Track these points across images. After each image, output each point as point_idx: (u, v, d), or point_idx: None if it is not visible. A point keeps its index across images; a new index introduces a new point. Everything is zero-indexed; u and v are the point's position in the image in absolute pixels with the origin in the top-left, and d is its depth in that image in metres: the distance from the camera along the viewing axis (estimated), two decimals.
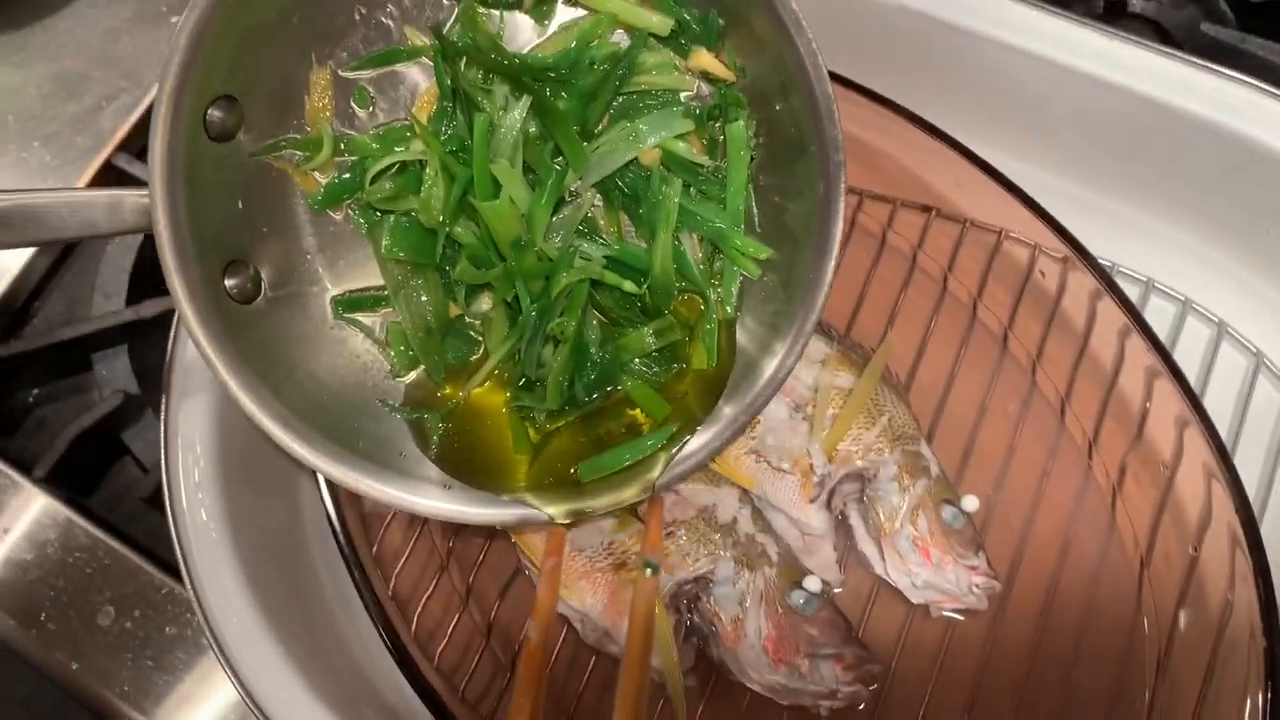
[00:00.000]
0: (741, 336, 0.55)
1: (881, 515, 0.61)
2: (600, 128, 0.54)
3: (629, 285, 0.54)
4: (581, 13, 0.55)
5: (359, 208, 0.55)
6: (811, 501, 0.61)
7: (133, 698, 0.65)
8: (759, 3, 0.48)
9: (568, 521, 0.52)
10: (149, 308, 0.75)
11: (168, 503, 0.61)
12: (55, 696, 0.68)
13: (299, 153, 0.53)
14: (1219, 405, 0.66)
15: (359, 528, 0.61)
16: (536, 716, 0.46)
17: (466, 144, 0.53)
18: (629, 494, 0.52)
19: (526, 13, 0.55)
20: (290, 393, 0.51)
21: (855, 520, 0.62)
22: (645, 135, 0.53)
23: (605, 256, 0.54)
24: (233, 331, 0.49)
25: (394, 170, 0.54)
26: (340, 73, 0.53)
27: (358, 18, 0.53)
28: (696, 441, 0.53)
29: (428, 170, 0.53)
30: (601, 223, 0.56)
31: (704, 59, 0.53)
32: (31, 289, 0.80)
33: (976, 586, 0.59)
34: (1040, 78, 0.72)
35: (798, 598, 0.58)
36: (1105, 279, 0.64)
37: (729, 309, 0.55)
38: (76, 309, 0.80)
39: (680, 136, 0.54)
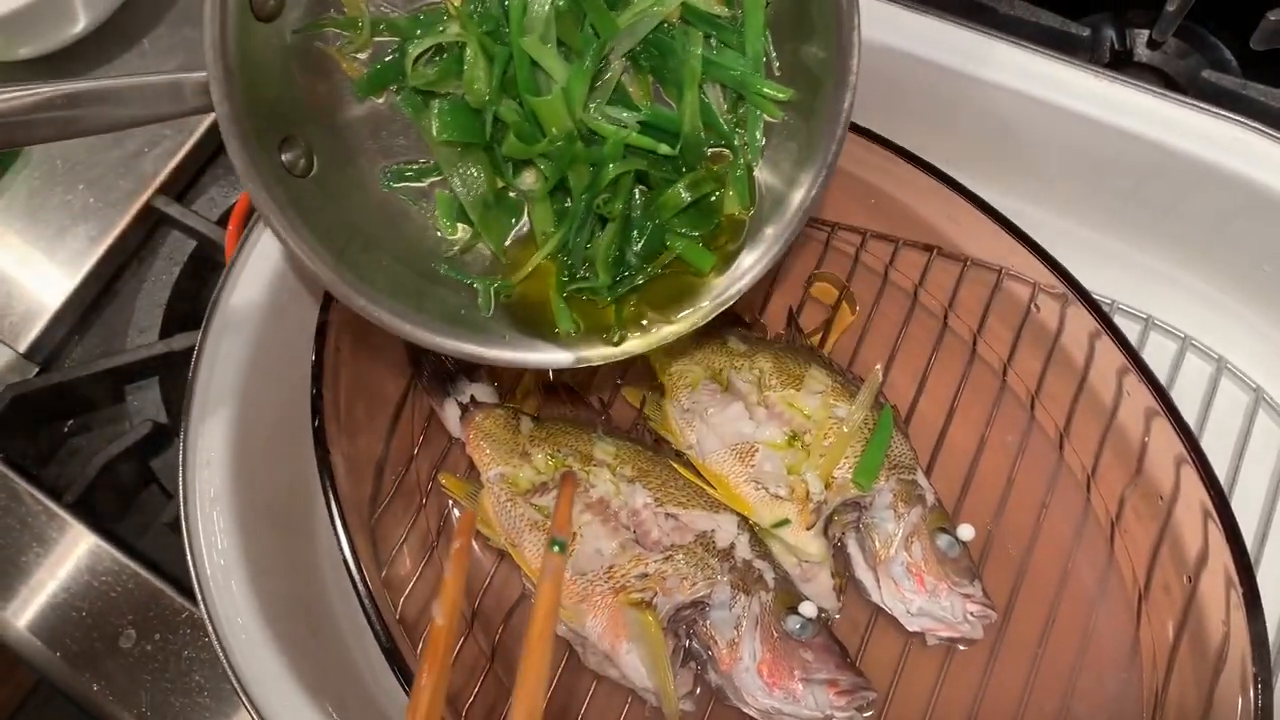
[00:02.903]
0: (770, 175, 0.57)
1: (877, 542, 0.62)
2: None
3: (664, 148, 0.56)
4: None
5: (403, 91, 0.58)
6: (809, 528, 0.62)
7: None
8: None
9: (627, 354, 0.56)
10: (180, 341, 0.79)
11: (184, 526, 0.63)
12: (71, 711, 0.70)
13: (341, 33, 0.56)
14: (1219, 440, 0.67)
15: (369, 554, 0.63)
16: (437, 701, 0.47)
17: (502, 24, 0.55)
18: (684, 324, 0.56)
19: None
20: (351, 257, 0.54)
21: (852, 548, 0.63)
22: None
23: (639, 122, 0.56)
24: (293, 201, 0.53)
25: (434, 53, 0.57)
26: None
27: None
28: (745, 261, 0.56)
29: (468, 51, 0.55)
30: (631, 89, 0.57)
31: None
32: (72, 324, 0.84)
33: (972, 614, 0.60)
34: (1045, 121, 0.74)
35: (793, 623, 0.59)
36: (1104, 318, 0.64)
37: (755, 152, 0.57)
38: (113, 342, 0.83)
39: None
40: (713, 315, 0.56)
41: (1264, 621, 0.55)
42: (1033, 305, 0.68)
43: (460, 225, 0.59)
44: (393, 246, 0.57)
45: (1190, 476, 0.60)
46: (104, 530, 0.73)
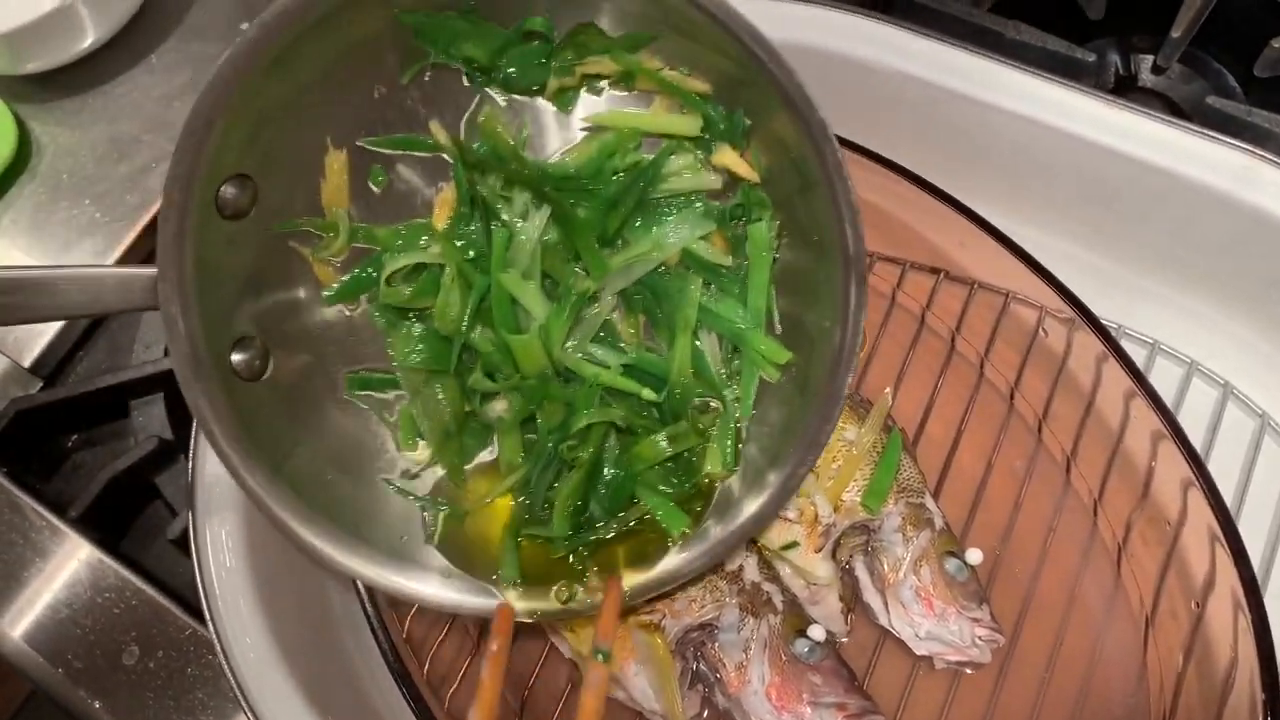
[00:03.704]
0: (753, 442, 0.54)
1: (885, 566, 0.62)
2: (619, 227, 0.54)
3: (647, 393, 0.54)
4: (605, 100, 0.54)
5: (375, 302, 0.55)
6: (817, 551, 0.62)
7: None
8: (784, 107, 0.47)
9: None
10: None
11: (193, 545, 0.63)
12: None
13: (314, 234, 0.53)
14: (1225, 465, 0.67)
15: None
16: None
17: (484, 251, 0.53)
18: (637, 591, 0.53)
19: (549, 99, 0.54)
20: (292, 469, 0.51)
21: (861, 571, 0.63)
22: (668, 240, 0.53)
23: (622, 365, 0.54)
24: (237, 407, 0.49)
25: (411, 267, 0.54)
26: (357, 143, 0.53)
27: (377, 96, 0.52)
28: (713, 532, 0.53)
29: (445, 276, 0.53)
30: (619, 327, 0.55)
31: (728, 157, 0.52)
32: (76, 339, 0.84)
33: (980, 638, 0.60)
34: (1051, 147, 0.74)
35: (802, 646, 0.59)
36: (1110, 342, 0.65)
37: (747, 410, 0.54)
38: (118, 357, 0.83)
39: (702, 236, 0.54)
40: (666, 588, 0.53)
41: (1272, 646, 0.55)
42: (1040, 329, 0.69)
43: (422, 444, 0.56)
44: (340, 460, 0.54)
45: (1197, 501, 0.61)
46: (107, 546, 0.73)
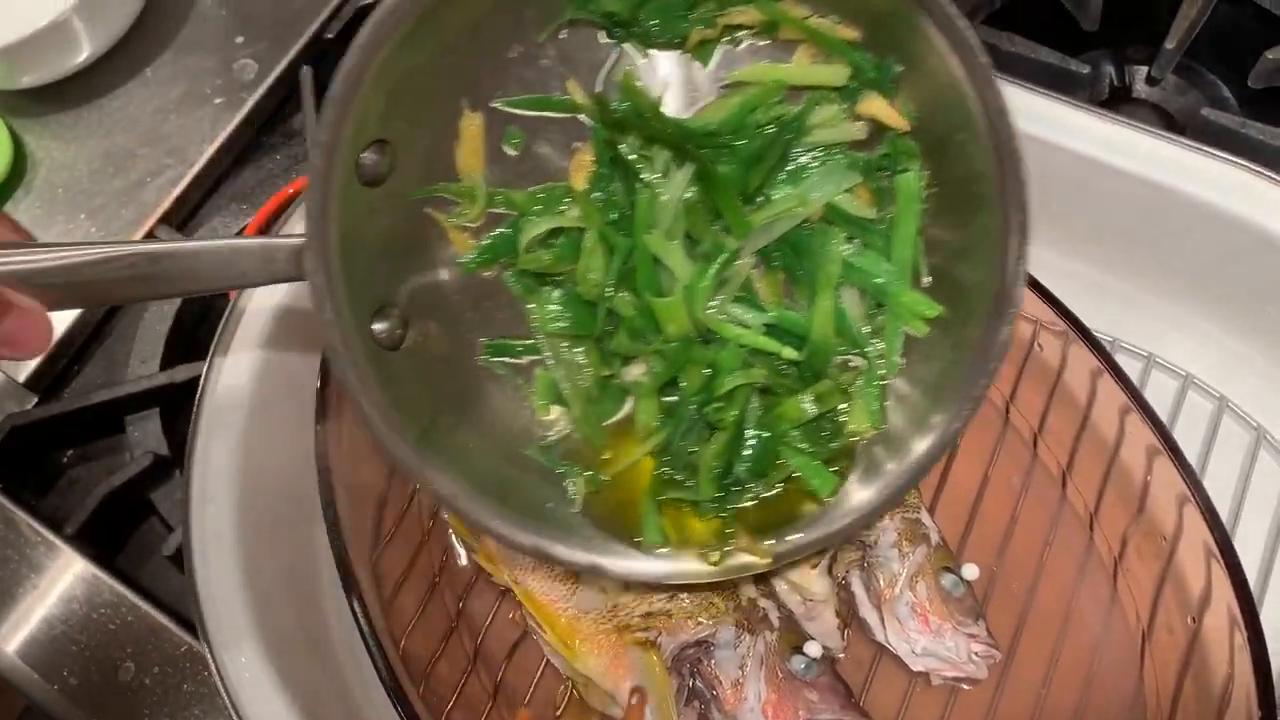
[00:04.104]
0: (901, 398, 0.53)
1: (881, 581, 0.62)
2: (760, 183, 0.52)
3: (789, 352, 0.53)
4: (744, 51, 0.52)
5: (512, 269, 0.54)
6: (813, 567, 0.62)
7: None
8: (947, 51, 0.46)
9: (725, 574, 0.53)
10: (181, 372, 0.78)
11: (188, 564, 0.63)
12: None
13: (448, 199, 0.52)
14: (1221, 479, 0.67)
15: (372, 593, 0.62)
16: None
17: (625, 212, 0.52)
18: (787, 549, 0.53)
19: (688, 53, 0.52)
20: (435, 438, 0.50)
21: (857, 587, 0.63)
22: (813, 195, 0.51)
23: (763, 324, 0.53)
24: (381, 377, 0.48)
25: (550, 234, 0.53)
26: (492, 104, 0.52)
27: (513, 56, 0.51)
28: (859, 495, 0.52)
29: (586, 239, 0.52)
30: (758, 285, 0.54)
31: (876, 106, 0.50)
32: (72, 354, 0.84)
33: (976, 654, 0.60)
34: (1045, 160, 0.74)
35: (798, 663, 0.59)
36: (1105, 357, 0.65)
37: (892, 367, 0.53)
38: (114, 373, 0.83)
39: (847, 189, 0.52)
40: (820, 548, 0.53)
41: (1269, 663, 0.55)
42: (1035, 344, 0.69)
43: (555, 408, 0.55)
44: (479, 427, 0.53)
45: (1193, 516, 0.61)
46: (103, 562, 0.72)
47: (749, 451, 0.54)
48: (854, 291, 0.53)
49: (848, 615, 0.63)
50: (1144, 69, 0.90)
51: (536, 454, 0.55)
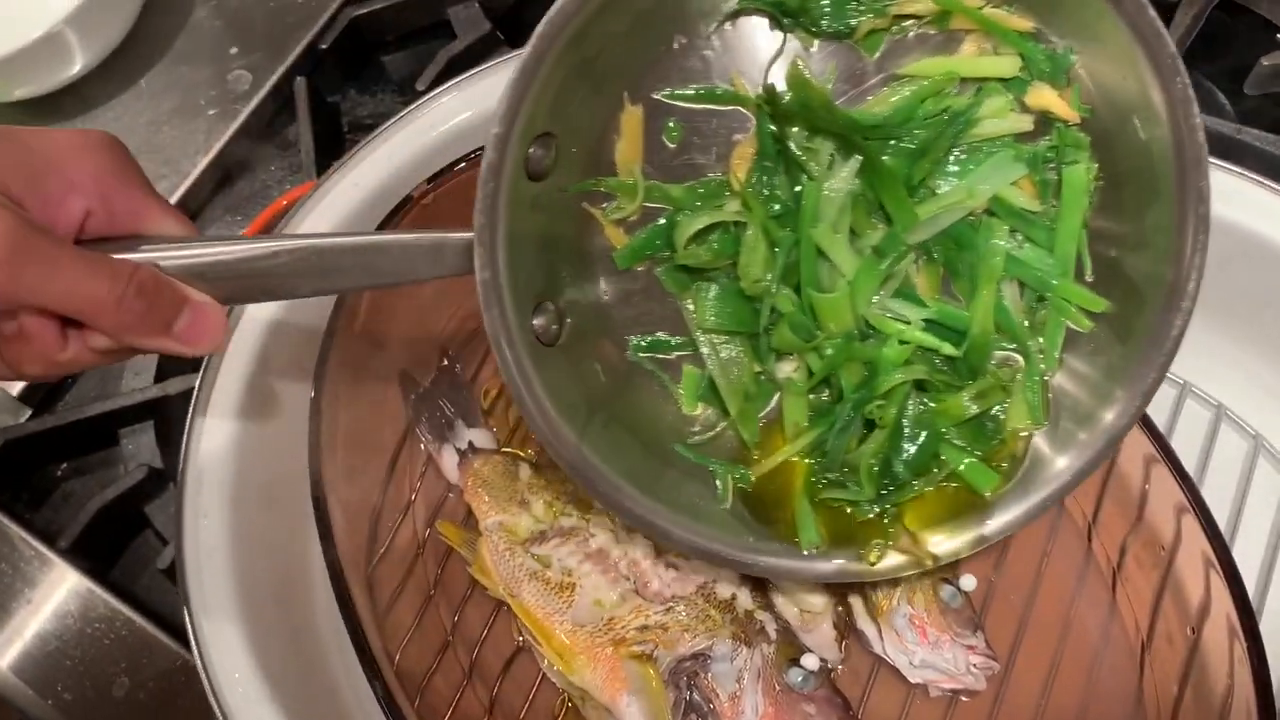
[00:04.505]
0: (1065, 395, 0.52)
1: (879, 593, 0.61)
2: (924, 177, 0.51)
3: (948, 348, 0.52)
4: (912, 41, 0.51)
5: (666, 264, 0.54)
6: None
7: None
8: (1130, 42, 0.45)
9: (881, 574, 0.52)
10: (175, 385, 0.78)
11: (180, 578, 0.63)
12: None
13: (606, 194, 0.52)
14: (1219, 487, 0.67)
15: (367, 606, 0.62)
16: None
17: (788, 206, 0.52)
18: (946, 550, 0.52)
19: (856, 43, 0.51)
20: (591, 436, 0.50)
21: (854, 598, 0.63)
22: (979, 188, 0.50)
23: (923, 319, 0.52)
24: (541, 373, 0.49)
25: (706, 229, 0.53)
26: (655, 96, 0.51)
27: (676, 47, 0.50)
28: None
29: (748, 234, 0.52)
30: (916, 279, 0.53)
31: (1047, 98, 0.49)
32: None
33: (974, 666, 0.59)
34: None
35: (796, 675, 0.59)
36: None
37: (1053, 363, 0.52)
38: (107, 386, 0.83)
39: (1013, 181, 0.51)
40: (983, 546, 0.52)
41: (1269, 675, 0.55)
42: None
43: (701, 404, 0.55)
44: (628, 424, 0.53)
45: (1191, 525, 0.60)
46: (97, 575, 0.72)
47: (908, 449, 0.53)
48: (1013, 286, 0.52)
49: (845, 627, 0.63)
50: None
51: (685, 451, 0.54)
